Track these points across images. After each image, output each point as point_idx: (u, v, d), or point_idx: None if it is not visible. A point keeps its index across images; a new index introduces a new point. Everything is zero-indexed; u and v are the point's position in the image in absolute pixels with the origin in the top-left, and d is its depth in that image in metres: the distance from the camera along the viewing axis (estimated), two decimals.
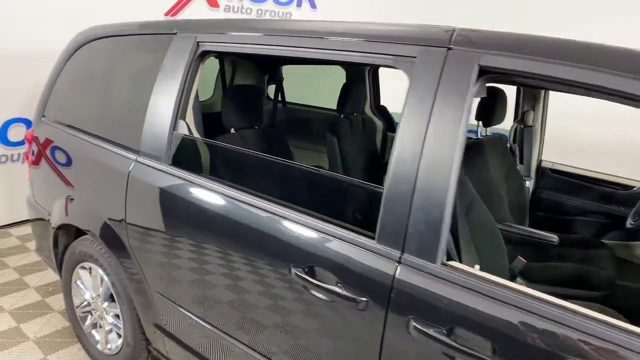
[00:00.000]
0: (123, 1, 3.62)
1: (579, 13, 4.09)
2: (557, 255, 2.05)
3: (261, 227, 1.28)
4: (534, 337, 0.88)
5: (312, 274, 1.16)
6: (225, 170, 1.56)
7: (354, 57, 1.21)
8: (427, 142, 1.03)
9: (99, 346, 2.06)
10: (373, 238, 1.09)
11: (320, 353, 1.20)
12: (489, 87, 2.01)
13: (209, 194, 1.43)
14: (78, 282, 2.10)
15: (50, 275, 2.84)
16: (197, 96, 1.65)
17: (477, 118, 2.08)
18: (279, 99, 3.10)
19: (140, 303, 1.75)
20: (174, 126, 1.55)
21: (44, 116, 2.20)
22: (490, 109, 2.02)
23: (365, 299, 1.07)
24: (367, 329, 1.08)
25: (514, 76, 1.00)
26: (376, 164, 2.68)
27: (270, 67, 3.09)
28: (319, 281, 1.13)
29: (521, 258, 1.88)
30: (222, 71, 2.91)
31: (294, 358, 1.27)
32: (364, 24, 1.26)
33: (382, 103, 2.96)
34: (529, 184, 2.35)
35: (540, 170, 2.40)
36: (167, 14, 4.26)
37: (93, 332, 2.10)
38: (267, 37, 1.40)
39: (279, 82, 3.07)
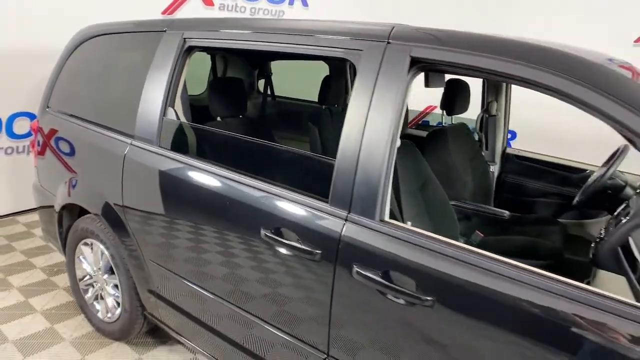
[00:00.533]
0: (123, 0, 3.82)
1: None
2: (515, 232, 2.26)
3: (237, 197, 1.50)
4: (447, 275, 1.09)
5: (278, 234, 1.37)
6: (207, 150, 1.76)
7: (313, 50, 1.42)
8: (369, 121, 1.24)
9: (99, 314, 2.28)
10: (327, 202, 1.30)
11: (287, 299, 1.41)
12: (452, 79, 2.24)
13: (194, 171, 1.65)
14: (80, 257, 2.32)
15: (55, 258, 3.06)
16: (185, 86, 1.87)
17: (442, 107, 2.29)
18: (268, 92, 3.31)
19: (136, 271, 1.96)
20: (164, 113, 1.77)
21: (48, 107, 2.42)
22: (452, 99, 2.23)
23: (319, 251, 1.28)
24: (322, 276, 1.29)
25: (438, 65, 1.21)
26: None
27: (260, 63, 3.30)
28: (282, 238, 1.35)
29: (479, 232, 2.09)
30: (214, 67, 3.12)
31: (267, 308, 1.48)
32: (322, 22, 1.46)
33: None
34: (494, 168, 2.56)
35: (505, 156, 2.60)
36: (164, 12, 4.46)
37: (94, 303, 2.32)
38: (241, 34, 1.62)
39: (267, 77, 3.28)
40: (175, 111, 1.77)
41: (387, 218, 1.24)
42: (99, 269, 2.22)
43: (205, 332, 1.75)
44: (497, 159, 2.57)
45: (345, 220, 1.25)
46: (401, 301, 1.15)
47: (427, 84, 1.86)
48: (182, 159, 1.69)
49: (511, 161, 2.59)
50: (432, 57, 1.19)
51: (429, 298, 1.10)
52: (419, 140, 2.30)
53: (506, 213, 2.08)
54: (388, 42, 1.26)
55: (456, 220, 1.84)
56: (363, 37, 1.31)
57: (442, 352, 1.13)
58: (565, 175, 2.44)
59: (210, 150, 1.72)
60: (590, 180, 1.98)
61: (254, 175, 1.49)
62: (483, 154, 2.53)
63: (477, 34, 1.19)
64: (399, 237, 1.17)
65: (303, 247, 1.31)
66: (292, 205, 1.37)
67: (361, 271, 1.19)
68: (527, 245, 2.03)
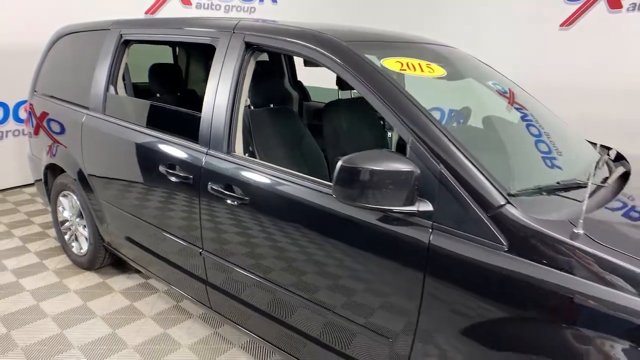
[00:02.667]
0: (110, 2, 4.46)
1: None
2: None
3: (147, 145, 2.12)
4: (256, 182, 1.68)
5: (170, 167, 1.98)
6: (133, 114, 2.36)
7: (195, 39, 2.02)
8: (219, 88, 1.83)
9: (74, 250, 2.95)
10: (197, 142, 1.90)
11: (178, 213, 2.02)
12: None
13: (126, 130, 2.27)
14: (60, 208, 2.99)
15: (51, 218, 3.75)
16: (127, 69, 2.49)
17: (337, 84, 2.85)
18: None
19: (95, 211, 2.61)
20: (107, 89, 2.40)
21: (35, 91, 3.09)
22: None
23: (192, 176, 1.88)
24: (194, 194, 1.89)
25: (262, 47, 1.79)
26: None
27: None
28: (172, 170, 1.95)
29: None
30: (175, 60, 3.73)
31: (164, 220, 2.09)
32: (199, 18, 2.06)
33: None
34: (393, 135, 3.10)
35: None
36: (147, 12, 5.11)
37: (72, 243, 2.99)
38: (155, 30, 2.23)
39: None
40: (115, 88, 2.39)
41: (236, 152, 1.83)
42: (73, 214, 2.88)
43: (140, 250, 2.38)
44: None
45: (206, 154, 1.85)
46: (234, 202, 1.74)
47: (305, 64, 2.43)
48: (118, 121, 2.32)
49: None
50: (257, 42, 1.78)
51: (246, 198, 1.69)
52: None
53: None
54: (233, 32, 1.85)
55: (325, 166, 2.41)
56: (220, 28, 1.90)
57: (258, 232, 1.71)
58: None
59: (134, 114, 2.32)
60: None
61: (157, 129, 2.10)
62: (382, 122, 3.08)
63: (283, 23, 1.77)
64: (235, 163, 1.76)
65: (183, 174, 1.91)
66: (178, 147, 1.98)
67: (212, 186, 1.79)
68: None
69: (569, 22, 4.39)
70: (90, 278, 2.85)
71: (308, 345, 1.70)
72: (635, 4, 3.88)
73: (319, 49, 1.58)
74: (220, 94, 1.83)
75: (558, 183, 1.37)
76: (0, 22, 3.95)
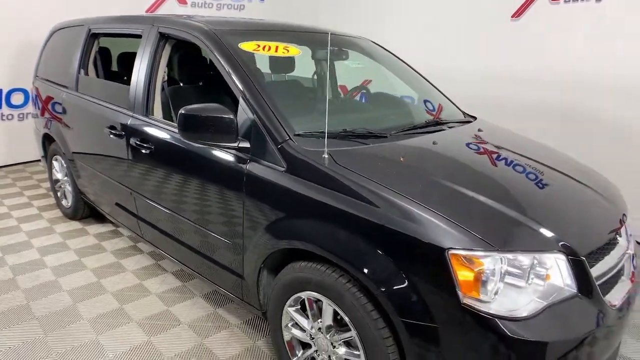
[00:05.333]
0: (115, 1, 5.15)
1: None
2: None
3: (99, 112, 2.76)
4: (157, 134, 2.27)
5: (111, 128, 2.61)
6: (94, 90, 3.01)
7: (132, 30, 2.63)
8: (140, 67, 2.44)
9: (63, 204, 3.67)
10: (130, 110, 2.52)
11: (116, 161, 2.65)
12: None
13: (88, 102, 2.93)
14: (54, 170, 3.71)
15: None
16: (96, 56, 3.15)
17: (270, 68, 3.40)
18: None
19: (73, 168, 3.30)
20: (79, 71, 3.07)
21: (37, 76, 3.82)
22: (277, 61, 3.33)
23: (124, 133, 2.50)
24: (124, 146, 2.51)
25: (169, 35, 2.37)
26: None
27: None
28: (112, 129, 2.59)
29: None
30: None
31: (113, 170, 2.73)
32: (135, 15, 2.67)
33: None
34: None
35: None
36: (147, 10, 5.82)
37: (62, 199, 3.71)
38: (110, 24, 2.87)
39: None
40: (85, 71, 3.06)
41: (154, 115, 2.43)
42: (62, 174, 3.60)
43: (100, 196, 3.04)
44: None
45: (131, 116, 2.47)
46: (145, 151, 2.35)
47: None
48: (86, 97, 2.98)
49: None
50: (166, 32, 2.37)
51: (152, 147, 2.29)
52: None
53: None
54: (152, 25, 2.45)
55: None
56: (145, 22, 2.51)
57: (160, 172, 2.30)
58: None
59: (94, 90, 2.97)
60: None
61: (106, 100, 2.74)
62: None
63: (184, 17, 2.35)
64: (147, 122, 2.37)
65: (117, 132, 2.54)
66: (116, 112, 2.61)
67: (134, 141, 2.41)
68: None
69: (518, 13, 4.71)
70: (74, 225, 3.56)
71: (184, 252, 2.31)
72: None
73: (194, 33, 2.16)
74: (141, 72, 2.44)
75: (344, 130, 1.87)
76: (21, 23, 4.75)
